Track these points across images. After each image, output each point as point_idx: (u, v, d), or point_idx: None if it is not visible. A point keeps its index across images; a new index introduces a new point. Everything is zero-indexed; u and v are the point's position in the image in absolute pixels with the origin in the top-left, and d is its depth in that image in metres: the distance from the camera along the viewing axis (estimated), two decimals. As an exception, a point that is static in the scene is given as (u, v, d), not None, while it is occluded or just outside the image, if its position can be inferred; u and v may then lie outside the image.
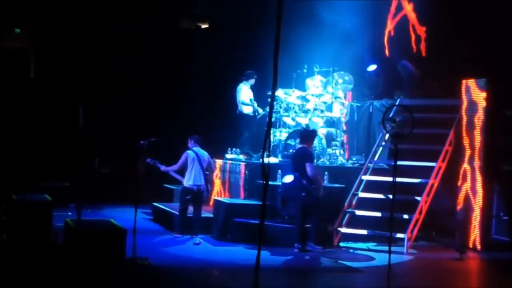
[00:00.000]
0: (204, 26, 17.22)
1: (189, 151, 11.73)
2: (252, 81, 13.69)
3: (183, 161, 11.61)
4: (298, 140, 11.80)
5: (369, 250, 11.02)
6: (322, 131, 13.02)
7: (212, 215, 12.09)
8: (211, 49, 16.48)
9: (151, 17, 15.87)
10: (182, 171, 11.88)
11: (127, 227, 8.71)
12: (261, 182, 11.46)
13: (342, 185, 11.85)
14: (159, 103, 16.52)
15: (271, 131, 8.75)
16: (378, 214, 11.40)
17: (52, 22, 15.93)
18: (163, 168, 11.85)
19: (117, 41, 15.97)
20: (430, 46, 13.11)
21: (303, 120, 13.19)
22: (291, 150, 12.14)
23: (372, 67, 13.83)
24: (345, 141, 13.55)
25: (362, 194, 12.02)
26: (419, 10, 13.31)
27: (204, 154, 11.82)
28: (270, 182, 11.48)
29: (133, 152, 10.35)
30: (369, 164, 12.36)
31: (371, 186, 12.05)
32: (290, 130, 12.98)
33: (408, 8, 13.51)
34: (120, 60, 15.87)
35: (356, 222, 11.70)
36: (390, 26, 13.75)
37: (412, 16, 13.47)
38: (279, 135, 12.92)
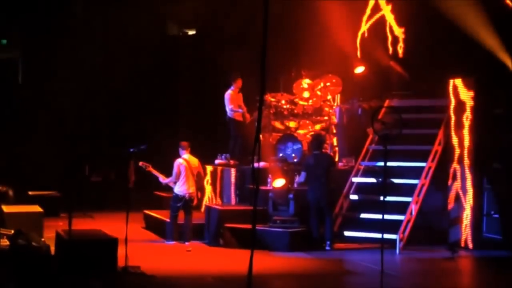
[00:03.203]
0: (191, 32, 17.23)
1: (180, 160, 11.66)
2: (239, 83, 13.50)
3: (177, 170, 11.54)
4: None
5: (361, 251, 11.01)
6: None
7: (204, 222, 12.03)
8: (199, 54, 16.47)
9: (139, 24, 15.88)
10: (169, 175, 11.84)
11: (119, 235, 8.63)
12: (252, 186, 11.72)
13: (333, 188, 11.76)
14: (149, 109, 16.49)
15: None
16: (370, 215, 11.39)
17: (39, 31, 15.88)
18: (161, 180, 11.77)
19: (103, 48, 15.93)
20: (413, 47, 13.11)
21: (293, 124, 13.15)
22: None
23: (359, 69, 13.82)
24: (334, 144, 13.56)
25: (353, 196, 12.03)
26: (399, 10, 13.29)
27: (195, 161, 11.78)
28: (260, 187, 11.55)
29: (123, 160, 10.30)
30: (360, 166, 12.35)
31: (362, 188, 12.08)
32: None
33: (386, 9, 13.46)
34: (109, 66, 15.84)
35: (348, 224, 11.72)
36: (364, 27, 13.75)
37: (390, 16, 13.43)
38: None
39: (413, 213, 11.42)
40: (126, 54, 16.04)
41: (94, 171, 16.14)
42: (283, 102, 13.67)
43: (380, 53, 13.57)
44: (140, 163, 11.32)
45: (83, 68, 15.77)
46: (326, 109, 13.71)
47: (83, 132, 15.22)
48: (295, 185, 11.77)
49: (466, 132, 11.48)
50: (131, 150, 9.94)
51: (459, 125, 11.57)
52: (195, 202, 11.74)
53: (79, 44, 15.74)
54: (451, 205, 11.56)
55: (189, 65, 17.21)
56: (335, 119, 13.42)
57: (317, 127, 13.63)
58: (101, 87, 16.20)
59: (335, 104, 13.96)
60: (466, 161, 11.43)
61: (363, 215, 11.59)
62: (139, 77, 16.35)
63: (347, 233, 11.65)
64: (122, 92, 16.34)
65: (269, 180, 12.00)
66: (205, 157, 13.13)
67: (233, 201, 12.76)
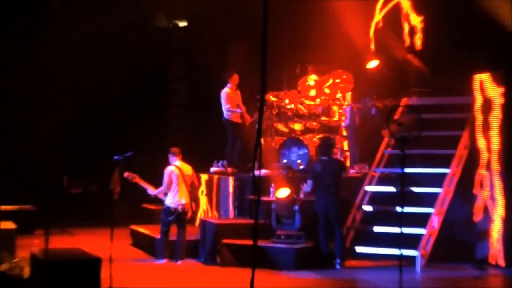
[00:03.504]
0: (182, 24, 17.21)
1: (171, 167, 11.67)
2: (235, 79, 13.52)
3: (168, 179, 11.56)
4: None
5: (376, 269, 11.00)
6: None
7: (198, 237, 12.02)
8: (191, 49, 16.54)
9: (122, 17, 15.86)
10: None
11: (102, 254, 8.62)
12: (253, 197, 11.81)
13: (344, 198, 11.78)
14: (134, 112, 16.52)
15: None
16: (386, 229, 11.35)
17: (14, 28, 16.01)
18: (150, 192, 11.77)
19: (83, 46, 15.94)
20: (433, 38, 13.16)
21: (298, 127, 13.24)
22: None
23: (373, 63, 13.80)
24: (345, 148, 13.56)
25: (366, 207, 12.02)
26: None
27: (188, 169, 11.78)
28: (262, 198, 11.70)
29: (106, 169, 10.28)
30: (374, 173, 12.36)
31: (376, 198, 12.08)
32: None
33: None
34: (89, 65, 15.85)
35: (361, 238, 11.72)
36: (378, 16, 13.78)
37: (406, 4, 13.52)
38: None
39: (435, 226, 11.41)
40: (108, 50, 16.04)
41: (74, 181, 16.11)
42: (287, 101, 13.68)
43: (396, 45, 13.58)
44: (126, 174, 11.32)
45: (57, 67, 15.78)
46: (335, 108, 13.74)
47: (61, 138, 15.20)
48: (301, 195, 11.75)
49: (494, 133, 11.41)
50: (116, 157, 9.96)
51: (487, 126, 11.53)
52: (189, 215, 11.76)
53: (56, 40, 15.75)
54: (478, 216, 11.50)
55: (180, 61, 17.24)
56: (345, 120, 13.40)
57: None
58: (80, 88, 16.22)
59: (346, 103, 13.96)
60: (495, 166, 11.35)
61: (378, 229, 11.57)
62: (123, 75, 16.33)
63: (360, 249, 11.61)
64: (104, 93, 16.37)
65: (271, 189, 12.01)
66: (199, 165, 13.08)
67: (231, 214, 12.77)
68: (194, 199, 12.13)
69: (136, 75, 16.55)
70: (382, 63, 13.77)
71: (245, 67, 13.59)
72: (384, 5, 13.75)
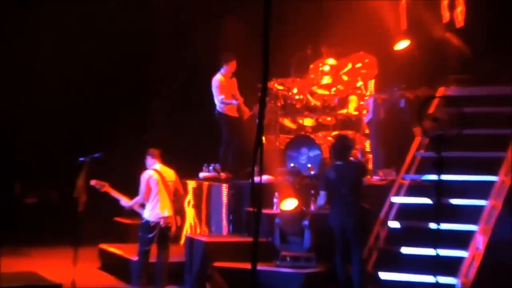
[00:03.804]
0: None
1: (150, 172, 11.62)
2: (233, 64, 13.62)
3: (146, 187, 11.53)
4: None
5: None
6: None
7: (184, 259, 12.06)
8: (177, 27, 16.74)
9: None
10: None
11: (64, 280, 8.76)
12: (252, 210, 11.55)
13: (366, 211, 11.53)
14: (107, 105, 16.57)
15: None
16: (417, 250, 11.26)
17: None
18: (123, 203, 11.74)
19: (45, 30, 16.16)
20: (478, 13, 13.17)
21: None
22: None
23: (402, 44, 13.79)
24: (367, 150, 13.58)
25: (393, 223, 11.95)
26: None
27: (171, 173, 11.76)
28: (263, 210, 11.75)
29: (70, 174, 10.34)
30: (402, 181, 12.27)
31: (406, 212, 11.98)
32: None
33: None
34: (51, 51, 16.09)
35: (385, 262, 11.58)
36: None
37: None
38: None
39: (480, 247, 11.22)
40: (78, 32, 16.30)
41: (28, 189, 16.12)
42: (295, 90, 13.69)
43: (431, 22, 13.57)
44: (93, 183, 11.31)
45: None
46: (355, 100, 13.70)
47: (14, 137, 15.30)
48: (312, 208, 11.77)
49: (556, 133, 11.55)
50: (81, 159, 10.05)
51: (545, 123, 11.64)
52: (172, 231, 11.66)
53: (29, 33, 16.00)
54: (533, 236, 11.48)
55: (163, 41, 17.34)
56: (368, 115, 13.35)
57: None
58: (40, 77, 16.33)
59: (368, 93, 13.98)
60: (555, 173, 11.41)
61: (407, 250, 11.46)
62: (92, 59, 16.44)
63: (384, 275, 11.45)
64: (69, 83, 16.46)
65: (275, 200, 12.06)
66: (186, 169, 13.01)
67: (225, 230, 12.82)
68: (179, 211, 11.98)
69: (109, 58, 16.68)
70: (414, 43, 13.74)
71: (242, 48, 13.56)
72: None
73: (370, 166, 13.29)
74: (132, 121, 16.51)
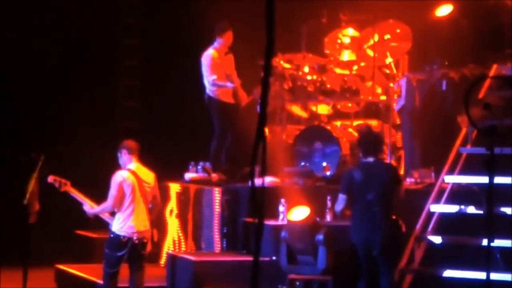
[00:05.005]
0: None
1: (123, 173, 11.45)
2: (228, 37, 13.58)
3: (117, 192, 11.42)
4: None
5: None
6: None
7: (164, 283, 12.35)
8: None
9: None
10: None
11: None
12: (252, 220, 11.85)
13: (397, 224, 11.54)
14: (70, 91, 16.78)
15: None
16: (463, 273, 11.34)
17: None
18: (88, 209, 11.71)
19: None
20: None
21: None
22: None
23: (444, 10, 13.55)
24: (398, 145, 13.69)
25: (433, 238, 11.90)
26: None
27: (149, 176, 11.62)
28: (267, 221, 11.72)
29: (18, 174, 10.97)
30: (444, 184, 12.18)
31: (448, 224, 11.97)
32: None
33: None
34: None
35: (424, 287, 11.87)
36: None
37: None
38: None
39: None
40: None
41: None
42: (306, 69, 13.75)
43: None
44: (51, 179, 11.37)
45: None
46: (384, 81, 13.87)
47: None
48: (328, 218, 12.00)
49: None
50: (34, 155, 10.66)
51: None
52: (148, 248, 11.61)
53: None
54: None
55: (137, 13, 17.82)
56: (399, 100, 13.43)
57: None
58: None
59: (400, 73, 13.90)
60: None
61: (450, 273, 11.49)
62: (53, 35, 16.80)
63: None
64: (21, 65, 16.49)
65: (281, 208, 12.08)
66: (167, 169, 13.40)
67: (217, 246, 12.90)
68: (157, 222, 12.11)
69: (73, 35, 17.08)
70: (458, 8, 13.58)
71: (240, 17, 13.97)
72: None
73: (402, 166, 13.53)
74: (100, 107, 17.03)
